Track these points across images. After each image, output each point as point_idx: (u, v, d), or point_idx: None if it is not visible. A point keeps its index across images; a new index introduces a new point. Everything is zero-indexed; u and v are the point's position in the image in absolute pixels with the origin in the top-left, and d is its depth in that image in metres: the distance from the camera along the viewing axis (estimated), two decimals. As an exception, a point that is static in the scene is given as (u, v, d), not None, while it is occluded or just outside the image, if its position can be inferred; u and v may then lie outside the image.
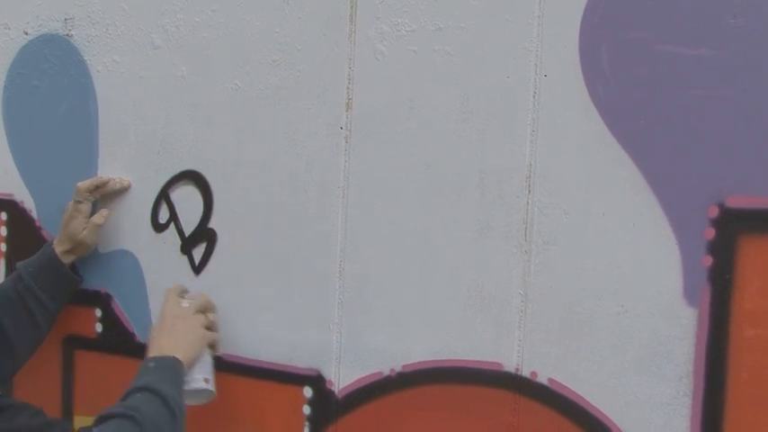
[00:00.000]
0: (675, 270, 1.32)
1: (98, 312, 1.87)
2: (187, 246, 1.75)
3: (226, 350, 1.71)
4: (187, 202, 1.74)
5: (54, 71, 1.88)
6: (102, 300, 1.86)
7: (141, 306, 1.81)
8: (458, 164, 1.47)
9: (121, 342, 1.84)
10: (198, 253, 1.74)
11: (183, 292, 1.68)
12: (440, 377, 1.52)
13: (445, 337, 1.50)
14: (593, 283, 1.38)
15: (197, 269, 1.74)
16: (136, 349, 1.81)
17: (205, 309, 1.65)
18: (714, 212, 1.29)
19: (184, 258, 1.75)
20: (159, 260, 1.79)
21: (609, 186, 1.36)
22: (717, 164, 1.28)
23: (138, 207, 1.80)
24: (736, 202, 1.27)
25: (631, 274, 1.35)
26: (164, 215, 1.78)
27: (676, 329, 1.32)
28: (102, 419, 1.37)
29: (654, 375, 1.34)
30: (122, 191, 1.81)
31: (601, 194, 1.37)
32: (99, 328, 1.88)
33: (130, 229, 1.82)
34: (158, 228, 1.79)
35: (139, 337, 1.82)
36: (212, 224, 1.71)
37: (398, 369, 1.55)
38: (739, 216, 1.27)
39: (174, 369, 1.50)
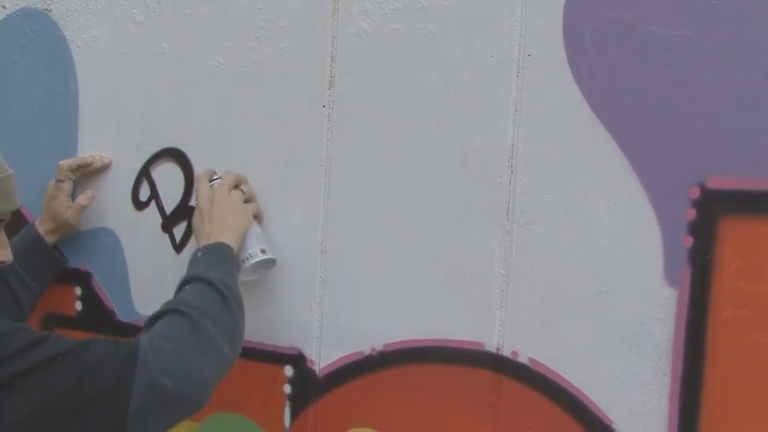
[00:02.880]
0: (656, 250, 1.32)
1: (78, 290, 1.86)
2: (168, 224, 1.74)
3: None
4: (168, 179, 1.73)
5: (33, 46, 1.86)
6: (83, 278, 1.85)
7: (122, 284, 1.80)
8: (440, 143, 1.47)
9: (101, 320, 1.83)
10: (179, 231, 1.73)
11: (210, 174, 1.62)
12: (421, 356, 1.52)
13: (426, 316, 1.51)
14: (574, 264, 1.38)
15: (178, 247, 1.73)
16: (116, 327, 1.81)
17: (237, 182, 1.60)
18: (695, 193, 1.29)
19: (165, 236, 1.75)
20: (140, 238, 1.78)
21: (591, 167, 1.36)
22: (698, 145, 1.29)
23: (118, 185, 1.79)
24: (717, 183, 1.28)
25: (612, 254, 1.35)
26: (144, 193, 1.77)
27: (656, 310, 1.33)
28: (150, 322, 1.37)
29: (634, 355, 1.35)
30: (103, 168, 1.80)
31: (583, 175, 1.37)
32: (79, 306, 1.87)
33: (111, 206, 1.81)
34: (139, 206, 1.78)
35: (119, 316, 1.81)
36: (193, 202, 1.70)
37: (380, 348, 1.55)
38: (720, 197, 1.28)
39: (221, 253, 1.48)
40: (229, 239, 1.50)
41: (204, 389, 1.34)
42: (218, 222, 1.52)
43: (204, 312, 1.36)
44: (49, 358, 1.23)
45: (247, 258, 1.55)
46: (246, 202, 1.59)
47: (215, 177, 1.61)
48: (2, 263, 1.45)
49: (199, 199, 1.57)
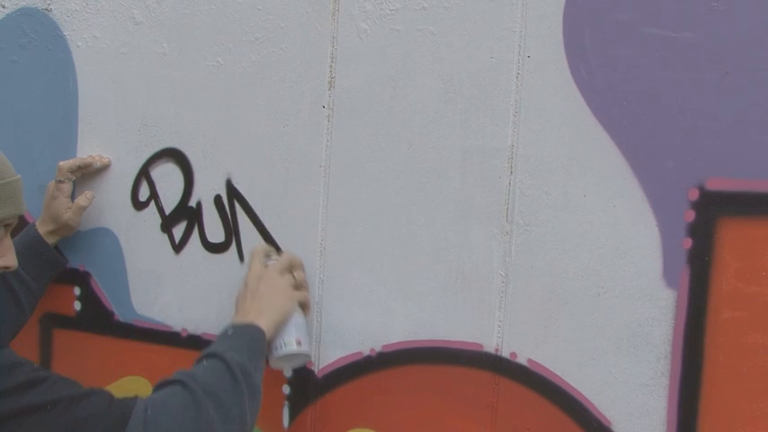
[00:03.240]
0: (655, 252, 1.32)
1: (77, 290, 1.86)
2: (167, 224, 1.74)
3: (205, 330, 1.71)
4: (167, 179, 1.73)
5: (33, 46, 1.86)
6: (81, 278, 1.85)
7: (120, 284, 1.80)
8: (440, 144, 1.47)
9: (100, 320, 1.83)
10: (178, 231, 1.73)
11: (268, 252, 1.59)
12: (420, 357, 1.52)
13: (425, 317, 1.51)
14: (573, 265, 1.38)
15: (177, 247, 1.73)
16: (114, 328, 1.81)
17: (291, 267, 1.56)
18: (694, 195, 1.29)
19: (164, 236, 1.74)
20: (139, 238, 1.78)
21: (590, 168, 1.36)
22: (697, 146, 1.29)
23: (117, 185, 1.79)
24: (716, 184, 1.28)
25: (612, 255, 1.36)
26: (144, 193, 1.76)
27: (655, 311, 1.33)
28: (158, 387, 1.34)
29: (632, 356, 1.35)
30: (102, 169, 1.79)
31: (582, 176, 1.37)
32: (78, 306, 1.86)
33: (110, 207, 1.81)
34: (138, 206, 1.77)
35: (118, 316, 1.81)
36: (193, 202, 1.70)
37: (378, 349, 1.56)
38: (719, 199, 1.28)
39: (251, 336, 1.43)
40: (265, 323, 1.46)
41: None
42: (260, 302, 1.49)
43: (210, 393, 1.31)
44: (40, 405, 1.20)
45: (281, 346, 1.50)
46: (296, 288, 1.55)
47: (272, 256, 1.58)
48: (7, 268, 1.43)
49: (249, 274, 1.54)
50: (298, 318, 1.54)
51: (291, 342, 1.51)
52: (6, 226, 1.42)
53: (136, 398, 1.29)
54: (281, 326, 1.50)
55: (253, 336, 1.43)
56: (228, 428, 1.31)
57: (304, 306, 1.56)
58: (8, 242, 1.43)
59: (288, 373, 1.60)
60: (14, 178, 1.42)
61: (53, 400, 1.21)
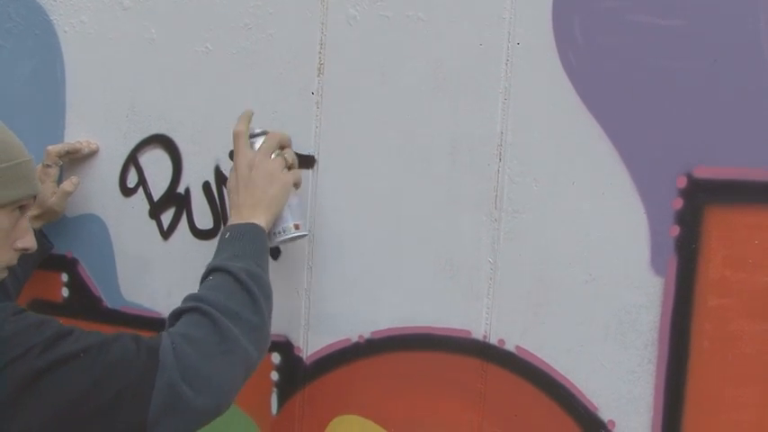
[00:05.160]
0: (643, 239, 1.33)
1: (64, 277, 1.85)
2: (156, 210, 1.73)
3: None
4: (156, 166, 1.73)
5: (19, 31, 1.84)
6: (69, 264, 1.84)
7: (108, 271, 1.79)
8: (429, 131, 1.47)
9: (88, 307, 1.83)
10: (167, 218, 1.72)
11: (252, 131, 1.49)
12: (408, 344, 1.52)
13: (414, 304, 1.51)
14: (561, 252, 1.39)
15: (165, 234, 1.73)
16: (102, 314, 1.80)
17: (280, 144, 1.50)
18: (682, 183, 1.30)
19: (153, 223, 1.74)
20: (127, 224, 1.77)
21: (579, 155, 1.37)
22: (686, 134, 1.29)
23: (105, 171, 1.78)
24: (704, 172, 1.29)
25: (600, 242, 1.36)
26: (132, 179, 1.76)
27: (642, 298, 1.34)
28: (172, 318, 1.34)
29: (619, 343, 1.36)
30: (90, 155, 1.78)
31: (571, 163, 1.37)
32: (65, 292, 1.86)
33: (98, 193, 1.80)
34: (126, 192, 1.77)
35: (106, 302, 1.80)
36: (181, 189, 1.70)
37: (367, 336, 1.56)
38: (707, 187, 1.29)
39: (251, 236, 1.40)
40: (262, 217, 1.43)
41: (225, 395, 1.29)
42: (254, 193, 1.44)
43: (227, 311, 1.31)
44: (72, 354, 1.20)
45: (280, 233, 1.48)
46: (289, 168, 1.50)
47: (256, 132, 1.50)
48: (26, 250, 1.42)
49: (236, 160, 1.47)
50: (292, 199, 1.50)
51: (290, 227, 1.49)
52: (22, 207, 1.40)
53: (160, 334, 1.29)
54: (279, 213, 1.47)
55: (252, 236, 1.41)
56: (253, 337, 1.33)
57: (297, 184, 1.51)
58: (25, 224, 1.42)
59: (282, 245, 1.57)
60: (27, 158, 1.41)
61: (84, 347, 1.22)
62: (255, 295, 1.35)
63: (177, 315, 1.34)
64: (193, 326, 1.30)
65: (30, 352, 1.19)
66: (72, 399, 1.19)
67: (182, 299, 1.70)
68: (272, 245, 1.50)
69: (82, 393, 1.19)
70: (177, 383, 1.23)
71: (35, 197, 1.43)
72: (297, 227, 1.50)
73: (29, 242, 1.42)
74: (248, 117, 1.50)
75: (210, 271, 1.39)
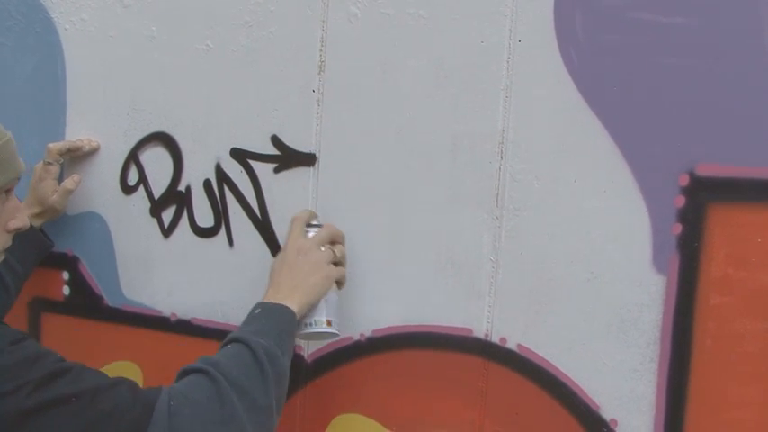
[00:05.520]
0: (645, 237, 1.32)
1: (65, 275, 1.85)
2: (156, 208, 1.73)
3: (195, 314, 1.70)
4: (156, 164, 1.72)
5: (19, 28, 1.84)
6: (70, 262, 1.84)
7: (109, 269, 1.79)
8: (430, 129, 1.47)
9: (89, 305, 1.82)
10: (167, 215, 1.72)
11: (310, 220, 1.51)
12: (410, 342, 1.52)
13: (415, 302, 1.51)
14: (563, 250, 1.38)
15: (166, 232, 1.72)
16: (103, 312, 1.80)
17: (332, 239, 1.49)
18: (684, 180, 1.29)
19: (154, 221, 1.74)
20: (128, 223, 1.77)
21: (581, 153, 1.36)
22: (688, 132, 1.29)
23: (106, 169, 1.78)
24: (707, 170, 1.28)
25: (601, 240, 1.35)
26: (133, 177, 1.75)
27: (645, 296, 1.33)
28: (181, 374, 1.30)
29: (622, 342, 1.35)
30: (91, 152, 1.78)
31: (572, 161, 1.37)
32: (66, 290, 1.86)
33: (99, 191, 1.80)
34: (127, 190, 1.76)
35: (107, 300, 1.80)
36: (182, 187, 1.69)
37: (368, 334, 1.55)
38: (709, 184, 1.28)
39: (280, 318, 1.37)
40: (297, 303, 1.40)
41: None
42: (296, 278, 1.43)
43: (235, 382, 1.26)
44: (64, 397, 1.17)
45: (311, 324, 1.44)
46: (335, 264, 1.48)
47: (314, 224, 1.51)
48: (20, 229, 1.39)
49: (288, 244, 1.47)
50: (331, 295, 1.47)
51: (322, 321, 1.45)
52: (8, 191, 1.37)
53: (160, 388, 1.25)
54: (314, 303, 1.44)
55: (281, 317, 1.38)
56: (254, 417, 1.27)
57: (339, 283, 1.50)
58: (14, 203, 1.38)
59: (312, 347, 1.55)
60: (5, 139, 1.35)
61: (78, 392, 1.18)
62: (268, 375, 1.30)
63: (187, 372, 1.30)
64: (197, 388, 1.26)
65: (21, 389, 1.15)
66: None
67: (182, 296, 1.72)
68: (300, 335, 1.46)
69: None
70: None
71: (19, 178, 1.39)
72: (329, 323, 1.46)
73: (21, 221, 1.39)
74: (311, 211, 1.53)
75: (231, 340, 1.35)
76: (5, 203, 1.37)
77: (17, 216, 1.39)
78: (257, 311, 1.39)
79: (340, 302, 1.50)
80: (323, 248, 1.47)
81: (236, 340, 1.33)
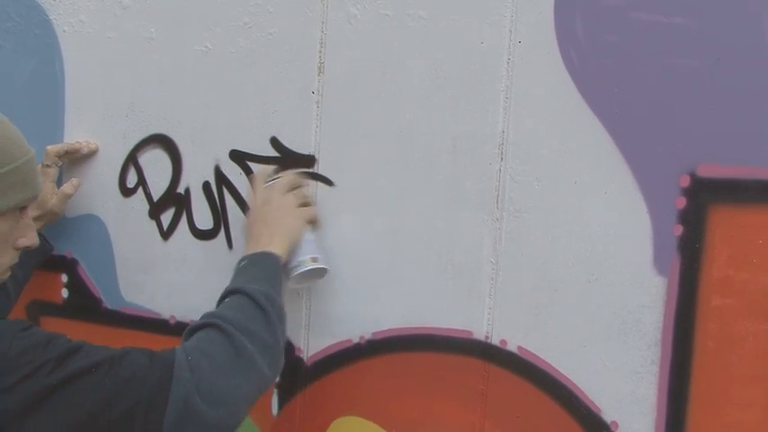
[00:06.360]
0: (646, 239, 1.32)
1: (64, 278, 1.85)
2: (155, 210, 1.73)
3: (194, 317, 1.69)
4: (155, 166, 1.72)
5: (18, 30, 1.84)
6: (69, 265, 1.83)
7: (108, 271, 1.79)
8: (430, 130, 1.46)
9: (88, 308, 1.82)
10: (166, 218, 1.72)
11: (269, 175, 1.56)
12: (410, 345, 1.52)
13: (416, 304, 1.50)
14: (563, 252, 1.38)
15: (165, 234, 1.72)
16: (102, 315, 1.80)
17: (294, 185, 1.54)
18: (685, 182, 1.29)
19: (153, 223, 1.73)
20: (127, 225, 1.76)
21: (581, 154, 1.36)
22: (689, 133, 1.28)
23: (105, 171, 1.77)
24: (708, 171, 1.28)
25: (602, 242, 1.35)
26: (132, 179, 1.75)
27: (645, 298, 1.33)
28: (189, 333, 1.34)
29: (622, 343, 1.35)
30: (90, 155, 1.78)
31: (573, 162, 1.36)
32: (65, 293, 1.85)
33: (97, 193, 1.79)
34: (126, 192, 1.76)
35: (106, 303, 1.80)
36: (181, 189, 1.69)
37: (368, 336, 1.55)
38: (710, 185, 1.28)
39: (266, 263, 1.43)
40: (278, 247, 1.45)
41: (238, 411, 1.30)
42: (269, 226, 1.48)
43: (243, 329, 1.31)
44: (84, 369, 1.20)
45: (297, 266, 1.49)
46: (303, 206, 1.53)
47: (273, 178, 1.55)
48: (28, 247, 1.41)
49: (253, 200, 1.54)
50: (308, 235, 1.52)
51: (306, 261, 1.50)
52: (23, 208, 1.39)
53: (174, 348, 1.29)
54: (293, 246, 1.49)
55: (268, 263, 1.43)
56: (268, 358, 1.33)
57: (313, 222, 1.54)
58: (27, 221, 1.40)
59: (302, 284, 1.56)
60: (27, 157, 1.38)
61: (95, 363, 1.22)
62: (271, 316, 1.36)
63: (193, 330, 1.34)
64: (209, 341, 1.30)
65: (40, 370, 1.18)
66: (84, 415, 1.19)
67: (181, 299, 1.71)
68: (290, 281, 1.51)
69: (94, 409, 1.19)
70: (192, 397, 1.22)
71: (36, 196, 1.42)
72: (314, 259, 1.50)
73: (30, 239, 1.41)
74: (270, 167, 1.58)
75: (227, 293, 1.39)
76: (19, 221, 1.39)
77: (27, 234, 1.41)
78: (243, 263, 1.44)
79: (319, 240, 1.53)
80: (287, 195, 1.52)
81: (232, 292, 1.39)
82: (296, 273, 1.49)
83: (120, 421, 1.20)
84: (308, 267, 1.50)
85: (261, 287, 1.38)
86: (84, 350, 1.24)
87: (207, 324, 1.33)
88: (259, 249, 1.45)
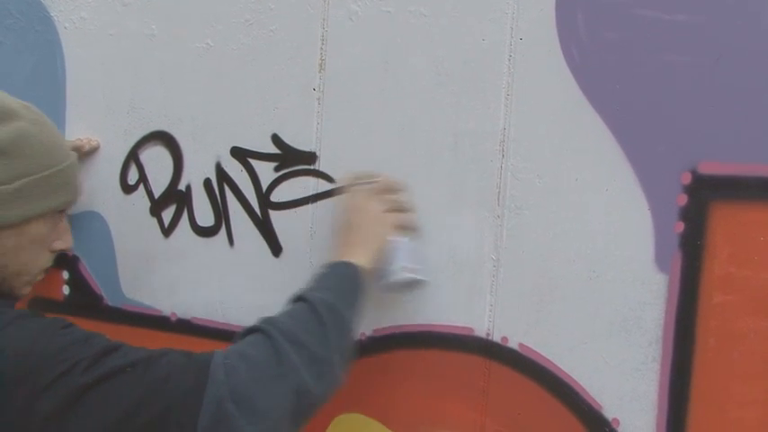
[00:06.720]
0: (647, 236, 1.32)
1: (65, 274, 1.84)
2: (157, 207, 1.73)
3: (195, 314, 1.70)
4: (156, 163, 1.72)
5: (19, 27, 1.83)
6: (70, 262, 1.83)
7: (109, 268, 1.79)
8: (431, 127, 1.46)
9: (89, 305, 1.82)
10: (167, 215, 1.72)
11: (359, 179, 1.47)
12: (411, 342, 1.52)
13: (416, 301, 1.50)
14: (564, 249, 1.38)
15: (166, 231, 1.72)
16: (104, 312, 1.80)
17: (386, 190, 1.46)
18: (687, 179, 1.29)
19: (154, 220, 1.73)
20: (128, 222, 1.76)
21: (582, 151, 1.36)
22: (690, 130, 1.28)
23: (106, 168, 1.77)
24: (709, 168, 1.27)
25: (603, 239, 1.35)
26: (133, 176, 1.75)
27: (647, 295, 1.33)
28: (239, 335, 1.30)
29: (624, 341, 1.35)
30: (91, 152, 1.78)
31: (574, 160, 1.36)
32: (66, 290, 1.85)
33: (99, 190, 1.79)
34: (127, 189, 1.76)
35: (107, 300, 1.80)
36: (182, 186, 1.69)
37: (369, 333, 1.55)
38: (711, 182, 1.28)
39: (342, 273, 1.37)
40: (360, 256, 1.39)
41: (276, 427, 1.23)
42: (355, 233, 1.42)
43: (291, 336, 1.26)
44: (120, 367, 1.20)
45: (388, 275, 1.41)
46: (396, 211, 1.45)
47: (363, 182, 1.47)
48: (63, 250, 1.45)
49: (343, 205, 1.48)
50: (404, 242, 1.43)
51: (398, 269, 1.41)
52: (62, 211, 1.42)
53: (215, 350, 1.26)
54: (381, 254, 1.41)
55: (341, 272, 1.37)
56: (315, 369, 1.26)
57: (408, 229, 1.45)
58: (65, 224, 1.44)
59: (399, 292, 1.47)
60: (70, 162, 1.42)
61: (131, 362, 1.21)
62: (327, 328, 1.29)
63: (245, 333, 1.31)
64: (253, 345, 1.26)
65: (76, 367, 1.18)
66: (120, 413, 1.18)
67: (183, 296, 1.71)
68: (381, 287, 1.43)
69: (129, 408, 1.18)
70: (225, 401, 1.19)
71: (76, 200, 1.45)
72: (404, 269, 1.41)
73: (66, 242, 1.47)
74: (360, 172, 1.50)
75: (294, 299, 1.35)
76: (58, 224, 1.40)
77: (64, 237, 1.46)
78: (320, 271, 1.39)
79: (416, 248, 1.45)
80: (373, 201, 1.44)
81: (296, 299, 1.34)
82: (385, 281, 1.42)
83: (156, 421, 1.18)
84: (398, 277, 1.42)
85: (325, 296, 1.32)
86: (122, 350, 1.24)
87: (255, 328, 1.29)
88: (339, 258, 1.39)
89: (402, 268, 1.41)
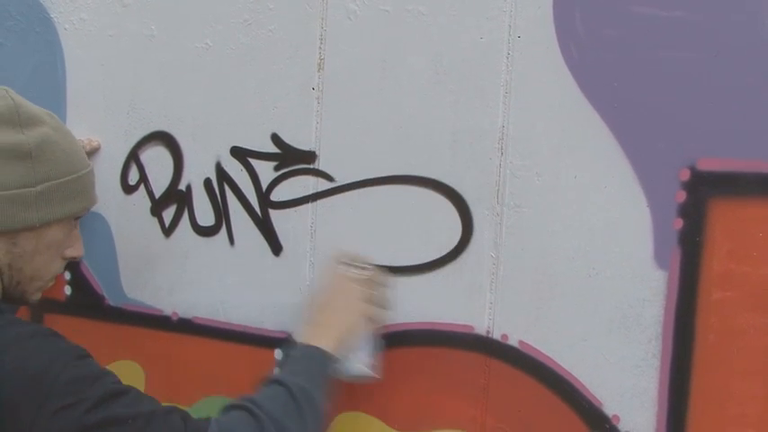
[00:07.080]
0: (646, 233, 1.32)
1: (67, 275, 1.85)
2: (157, 207, 1.73)
3: (196, 313, 1.70)
4: (157, 163, 1.72)
5: (19, 28, 1.84)
6: (72, 262, 1.83)
7: (111, 268, 1.79)
8: (430, 125, 1.46)
9: (91, 305, 1.82)
10: (168, 215, 1.72)
11: (352, 261, 1.52)
12: (411, 340, 1.52)
13: (416, 299, 1.50)
14: (564, 246, 1.38)
15: (167, 231, 1.72)
16: (105, 312, 1.80)
17: (373, 283, 1.51)
18: (685, 175, 1.29)
19: (154, 220, 1.74)
20: (129, 222, 1.77)
21: (581, 149, 1.36)
22: (688, 127, 1.28)
23: (106, 168, 1.78)
24: (708, 164, 1.27)
25: (602, 236, 1.35)
26: (133, 177, 1.75)
27: (646, 292, 1.33)
28: (226, 410, 1.35)
29: (623, 337, 1.35)
30: (92, 152, 1.78)
31: (573, 157, 1.36)
32: (68, 290, 1.86)
33: (99, 190, 1.77)
34: (128, 189, 1.76)
35: (109, 300, 1.80)
36: (182, 186, 1.69)
37: (369, 332, 1.55)
38: (710, 179, 1.28)
39: (315, 360, 1.42)
40: (330, 341, 1.43)
41: None
42: (329, 316, 1.47)
43: (275, 420, 1.32)
44: (121, 417, 1.22)
45: (348, 368, 1.48)
46: (373, 305, 1.50)
47: (357, 264, 1.51)
48: (74, 258, 1.47)
49: (328, 281, 1.52)
50: (366, 336, 1.49)
51: (354, 362, 1.49)
52: (76, 218, 1.45)
53: (209, 419, 1.30)
54: (351, 342, 1.47)
55: (315, 359, 1.42)
56: None
57: (375, 322, 1.51)
58: (77, 232, 1.46)
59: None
60: (88, 169, 1.46)
61: (134, 414, 1.23)
62: (304, 412, 1.35)
63: (229, 408, 1.35)
64: (242, 423, 1.31)
65: (81, 403, 1.20)
66: None
67: (183, 295, 1.71)
68: (341, 374, 1.47)
69: None
70: None
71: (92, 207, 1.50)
72: (362, 362, 1.49)
73: (77, 250, 1.49)
74: (353, 253, 1.54)
75: (270, 381, 1.40)
76: (72, 231, 1.45)
77: (75, 245, 1.48)
78: (293, 353, 1.44)
79: (377, 343, 1.51)
80: (356, 288, 1.49)
81: (275, 382, 1.38)
82: (345, 373, 1.47)
83: None
84: (356, 372, 1.49)
85: (302, 383, 1.37)
86: (130, 396, 1.26)
87: (242, 406, 1.33)
88: (313, 342, 1.43)
89: (360, 361, 1.49)
